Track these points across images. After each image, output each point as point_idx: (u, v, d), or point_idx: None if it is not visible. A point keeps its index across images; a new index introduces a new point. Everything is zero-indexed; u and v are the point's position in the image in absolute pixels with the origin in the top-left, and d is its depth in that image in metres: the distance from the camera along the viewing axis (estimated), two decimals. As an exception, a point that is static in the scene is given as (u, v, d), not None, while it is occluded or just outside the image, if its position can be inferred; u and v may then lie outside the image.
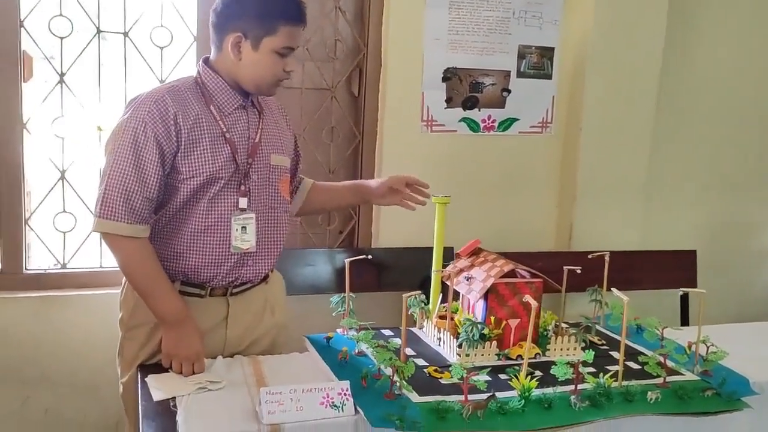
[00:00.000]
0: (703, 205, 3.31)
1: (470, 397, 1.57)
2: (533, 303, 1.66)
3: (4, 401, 2.47)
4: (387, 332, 2.04)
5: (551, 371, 1.66)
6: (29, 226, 2.48)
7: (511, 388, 1.63)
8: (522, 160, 2.98)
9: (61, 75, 2.42)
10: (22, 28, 2.35)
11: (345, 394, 1.53)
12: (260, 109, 1.90)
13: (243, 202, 1.81)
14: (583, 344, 1.95)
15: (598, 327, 2.19)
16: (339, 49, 2.75)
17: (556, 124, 2.99)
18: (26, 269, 2.48)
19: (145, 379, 1.67)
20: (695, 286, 3.15)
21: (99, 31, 2.44)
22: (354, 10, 2.75)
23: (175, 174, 1.74)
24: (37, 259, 2.56)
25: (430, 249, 2.09)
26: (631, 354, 1.91)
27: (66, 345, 2.49)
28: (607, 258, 2.18)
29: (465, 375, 1.56)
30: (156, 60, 2.50)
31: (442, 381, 1.68)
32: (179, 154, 1.73)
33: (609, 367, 1.82)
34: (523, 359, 1.83)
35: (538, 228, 3.06)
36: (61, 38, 2.40)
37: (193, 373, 1.68)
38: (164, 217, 1.79)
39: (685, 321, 3.15)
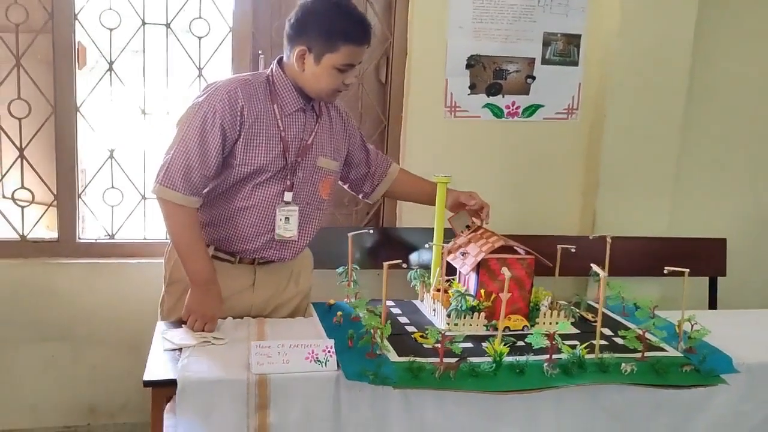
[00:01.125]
0: (733, 195, 3.28)
1: (447, 360, 1.69)
2: (507, 274, 1.75)
3: (58, 357, 2.75)
4: (389, 303, 2.18)
5: (526, 340, 1.76)
6: (82, 200, 2.74)
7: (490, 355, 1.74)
8: (547, 146, 3.04)
9: (110, 63, 2.66)
10: (76, 21, 2.60)
11: (329, 351, 1.68)
12: (319, 113, 2.07)
13: (288, 196, 2.00)
14: (573, 320, 2.03)
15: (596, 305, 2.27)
16: (369, 38, 2.88)
17: (582, 110, 3.04)
18: (79, 238, 2.75)
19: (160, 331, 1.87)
20: (724, 275, 3.16)
21: (144, 23, 2.67)
22: (383, 2, 2.88)
23: (231, 158, 1.94)
24: (92, 230, 2.83)
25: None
26: (620, 330, 1.98)
27: (112, 308, 2.74)
28: (608, 240, 2.23)
29: (441, 339, 1.68)
30: (195, 49, 2.71)
31: (425, 345, 1.81)
32: (239, 142, 1.92)
33: (595, 342, 1.89)
34: (510, 330, 1.95)
35: (562, 214, 3.11)
36: (110, 30, 2.64)
37: (203, 331, 1.87)
38: (217, 190, 1.99)
39: (713, 306, 3.15)
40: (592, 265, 1.84)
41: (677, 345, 1.89)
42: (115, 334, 2.77)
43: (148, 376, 1.63)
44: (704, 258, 3.16)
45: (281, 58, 2.01)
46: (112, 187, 2.76)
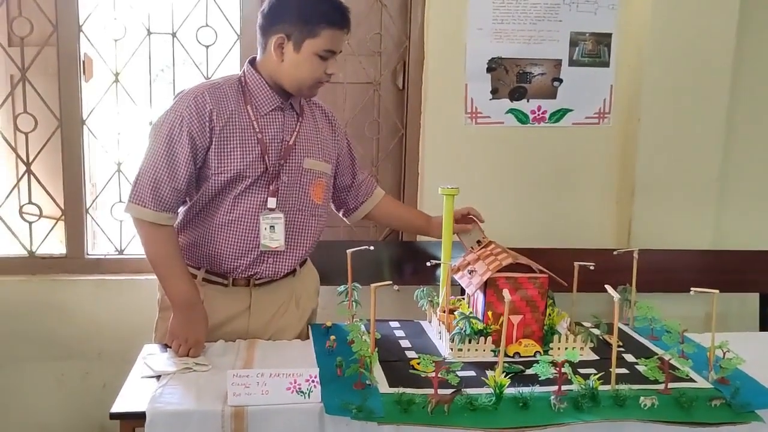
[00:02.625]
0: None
1: (442, 392, 1.54)
2: (507, 297, 1.58)
3: (68, 375, 2.70)
4: (394, 324, 2.04)
5: (531, 369, 1.59)
6: (90, 215, 2.69)
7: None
8: (577, 153, 2.85)
9: (116, 74, 2.60)
10: (81, 32, 2.55)
11: (313, 381, 1.54)
12: (300, 112, 1.94)
13: (272, 202, 1.87)
14: (593, 344, 1.85)
15: (625, 328, 2.08)
16: (384, 43, 2.76)
17: (615, 114, 2.83)
18: (87, 254, 2.69)
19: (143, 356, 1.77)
20: (777, 291, 2.90)
21: (149, 33, 2.60)
22: (398, 4, 2.74)
23: (206, 168, 1.83)
24: (103, 245, 2.77)
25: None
26: (647, 358, 1.78)
27: (122, 325, 2.67)
28: (635, 255, 2.05)
29: (434, 368, 1.53)
30: (202, 58, 2.63)
31: (423, 374, 1.65)
32: (211, 149, 1.81)
33: (617, 370, 1.70)
34: (521, 357, 1.78)
35: (595, 225, 2.91)
36: (115, 40, 2.58)
37: (188, 356, 1.76)
38: (196, 206, 1.88)
39: (764, 326, 2.89)
40: (606, 286, 1.65)
41: (708, 375, 1.69)
42: (125, 352, 2.65)
43: (117, 406, 1.52)
44: (754, 272, 2.90)
45: (254, 59, 1.89)
46: (120, 201, 2.69)
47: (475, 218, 2.08)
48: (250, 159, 1.83)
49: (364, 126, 2.79)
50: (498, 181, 2.80)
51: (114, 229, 2.71)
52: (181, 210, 1.91)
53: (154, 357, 1.75)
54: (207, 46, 2.62)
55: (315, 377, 1.54)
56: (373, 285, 1.59)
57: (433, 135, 2.75)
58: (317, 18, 1.77)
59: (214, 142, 1.80)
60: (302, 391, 1.53)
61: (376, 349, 1.63)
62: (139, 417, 1.48)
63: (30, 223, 2.65)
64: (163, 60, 2.64)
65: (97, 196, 2.71)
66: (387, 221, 2.36)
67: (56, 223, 2.66)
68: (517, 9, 2.68)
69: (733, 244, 2.92)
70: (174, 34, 2.61)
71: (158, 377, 1.64)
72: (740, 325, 2.94)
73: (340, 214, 2.21)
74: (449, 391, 1.53)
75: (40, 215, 2.64)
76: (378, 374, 1.64)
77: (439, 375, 1.52)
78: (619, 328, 2.02)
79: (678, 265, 2.84)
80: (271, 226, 1.87)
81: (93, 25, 2.57)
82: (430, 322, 2.04)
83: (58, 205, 2.64)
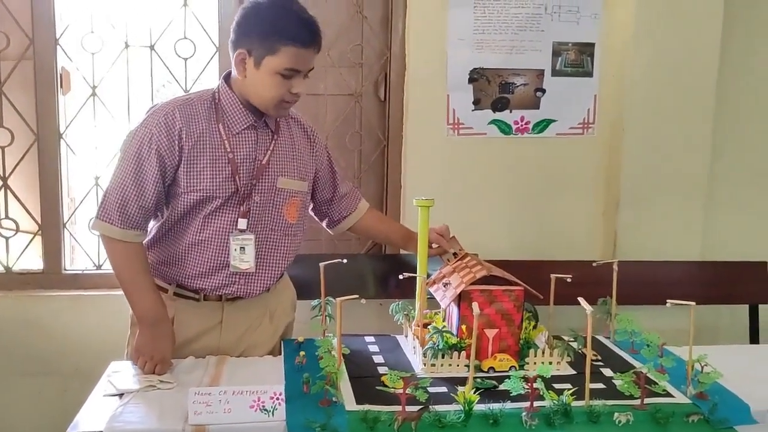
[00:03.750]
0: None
1: (410, 409, 1.49)
2: (476, 311, 1.54)
3: (46, 393, 2.65)
4: (369, 339, 2.00)
5: (502, 385, 1.54)
6: (68, 230, 2.65)
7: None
8: (561, 164, 2.81)
9: (93, 88, 2.58)
10: (58, 46, 2.53)
11: (278, 399, 1.50)
12: (275, 130, 1.89)
13: (242, 223, 1.83)
14: (570, 359, 1.80)
15: (606, 341, 2.03)
16: (365, 54, 2.73)
17: (599, 124, 2.80)
18: (65, 269, 2.65)
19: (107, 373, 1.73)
20: (766, 302, 2.86)
21: (127, 46, 2.58)
22: (378, 16, 2.72)
23: (176, 186, 1.80)
24: (81, 260, 2.74)
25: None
26: (624, 372, 1.73)
27: (100, 341, 2.61)
28: (615, 267, 2.00)
29: (402, 384, 1.48)
30: (180, 71, 2.61)
31: (390, 391, 1.61)
32: (181, 168, 1.78)
33: (593, 385, 1.65)
34: (496, 371, 1.74)
35: (581, 237, 2.87)
36: (93, 54, 2.56)
37: (153, 374, 1.72)
38: (167, 224, 1.85)
39: (754, 338, 2.84)
40: (579, 299, 1.61)
41: (686, 390, 1.64)
42: (103, 368, 2.64)
43: (75, 426, 1.48)
44: (743, 284, 2.87)
45: (229, 73, 1.85)
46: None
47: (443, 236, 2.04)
48: (221, 179, 1.79)
49: (345, 138, 2.76)
50: (481, 193, 2.77)
51: (92, 244, 2.68)
52: (153, 226, 1.88)
53: (118, 374, 1.71)
54: (185, 59, 2.60)
55: (280, 395, 1.50)
56: (338, 299, 1.55)
57: (415, 146, 2.72)
58: (278, 34, 1.71)
59: (183, 161, 1.77)
60: (266, 409, 1.49)
61: (343, 365, 1.58)
62: (96, 437, 1.43)
63: (6, 239, 2.61)
64: (143, 73, 2.61)
65: (74, 211, 2.68)
66: (370, 235, 2.34)
67: (33, 237, 2.63)
68: (498, 19, 2.66)
69: (722, 254, 2.88)
70: (152, 47, 2.59)
71: (121, 395, 1.60)
72: (731, 338, 2.90)
73: (324, 225, 2.17)
74: (417, 408, 1.49)
75: (17, 230, 2.61)
76: (346, 391, 1.60)
77: (407, 391, 1.48)
78: (600, 342, 2.01)
79: (666, 277, 2.80)
80: (241, 248, 1.83)
81: (70, 39, 2.55)
82: (406, 336, 2.00)
83: (35, 219, 2.61)
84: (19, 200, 2.59)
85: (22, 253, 2.63)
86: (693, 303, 1.62)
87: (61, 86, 2.57)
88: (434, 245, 2.02)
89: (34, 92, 2.53)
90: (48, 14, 2.50)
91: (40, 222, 2.61)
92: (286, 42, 1.71)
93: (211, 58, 2.62)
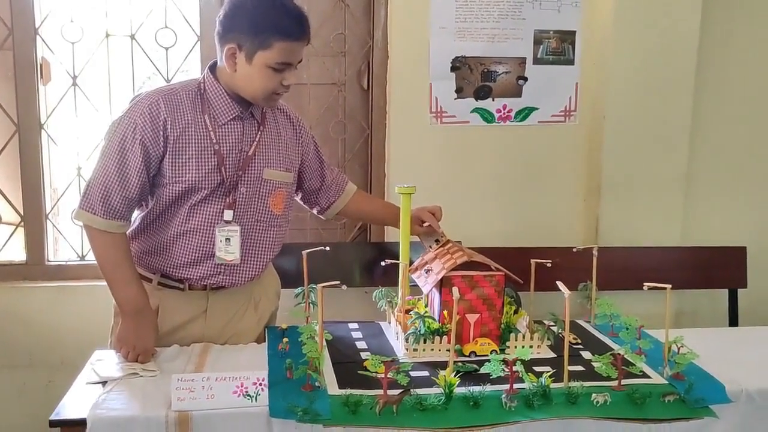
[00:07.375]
0: (753, 198, 3.00)
1: (391, 392, 1.51)
2: (455, 296, 1.56)
3: (30, 384, 2.65)
4: (353, 325, 2.01)
5: (483, 369, 1.56)
6: (50, 220, 2.64)
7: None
8: (544, 151, 2.83)
9: (74, 78, 2.57)
10: (37, 36, 2.52)
11: (261, 384, 1.51)
12: (261, 121, 1.89)
13: (228, 214, 1.83)
14: (550, 342, 1.83)
15: (586, 325, 2.06)
16: (348, 43, 2.73)
17: (581, 112, 2.82)
18: (48, 260, 2.65)
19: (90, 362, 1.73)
20: (745, 287, 2.89)
21: (107, 35, 2.57)
22: (361, 4, 2.72)
23: (161, 177, 1.79)
24: (64, 251, 2.73)
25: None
26: (602, 354, 1.76)
27: (84, 332, 2.59)
28: (595, 252, 2.03)
29: (384, 368, 1.50)
30: (162, 60, 2.60)
31: (372, 375, 1.62)
32: (165, 159, 1.77)
33: (572, 368, 1.68)
34: (477, 356, 1.76)
35: (563, 223, 2.90)
36: (73, 43, 2.54)
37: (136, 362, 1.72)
38: (152, 214, 1.84)
39: (734, 322, 2.88)
40: (558, 282, 1.63)
41: (663, 371, 1.67)
42: (87, 359, 2.65)
43: (57, 413, 1.48)
44: (722, 268, 2.91)
45: (214, 63, 1.84)
46: (80, 206, 2.65)
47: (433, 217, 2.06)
48: (206, 170, 1.79)
49: (329, 127, 2.76)
50: (464, 181, 2.79)
51: (75, 235, 2.67)
52: (137, 216, 1.88)
53: (101, 362, 1.71)
54: (167, 48, 2.59)
55: (263, 380, 1.51)
56: (320, 285, 1.57)
57: (398, 135, 2.73)
58: (270, 29, 1.70)
59: (168, 152, 1.76)
60: (249, 395, 1.50)
61: (325, 350, 1.60)
62: (80, 424, 1.44)
63: (-11, 230, 2.61)
64: (124, 63, 2.60)
65: (57, 202, 2.67)
66: (361, 216, 2.36)
67: (15, 229, 2.62)
68: (480, 7, 2.67)
69: (701, 240, 2.92)
70: (133, 36, 2.58)
71: (104, 383, 1.61)
72: (710, 322, 2.94)
73: (314, 212, 2.18)
74: (399, 391, 1.50)
75: (-1, 221, 2.61)
76: (329, 376, 1.62)
77: (388, 375, 1.50)
78: (579, 325, 2.04)
79: (647, 263, 2.83)
80: (226, 239, 1.83)
81: (50, 28, 2.53)
82: (389, 322, 2.02)
83: (17, 211, 2.60)
84: (0, 191, 2.58)
85: (4, 244, 2.62)
86: (669, 286, 1.64)
87: (42, 76, 2.55)
88: (425, 224, 2.05)
89: (14, 83, 2.52)
90: (27, 4, 2.49)
91: (22, 213, 2.60)
92: (278, 37, 1.70)
93: (193, 47, 2.61)
